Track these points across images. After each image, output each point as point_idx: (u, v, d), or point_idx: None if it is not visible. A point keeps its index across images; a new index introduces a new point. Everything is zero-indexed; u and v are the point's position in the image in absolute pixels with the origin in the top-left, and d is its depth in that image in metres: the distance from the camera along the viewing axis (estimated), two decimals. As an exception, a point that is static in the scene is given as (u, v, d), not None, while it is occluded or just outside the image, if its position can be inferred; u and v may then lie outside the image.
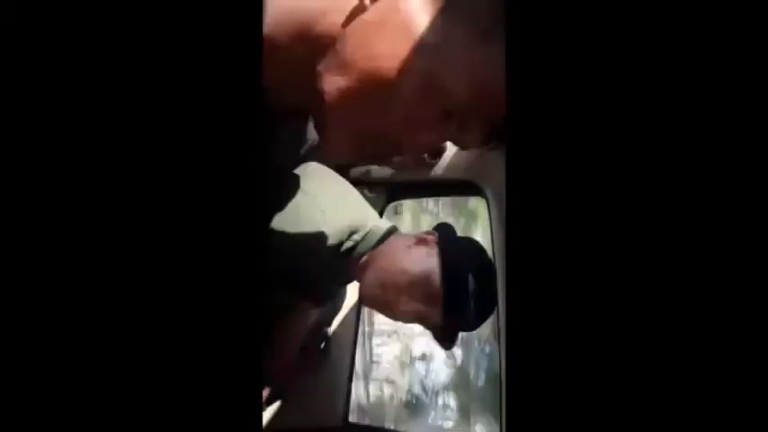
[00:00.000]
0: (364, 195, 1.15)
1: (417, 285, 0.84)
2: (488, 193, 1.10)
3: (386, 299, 0.86)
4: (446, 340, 0.88)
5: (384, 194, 1.22)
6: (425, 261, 0.84)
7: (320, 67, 0.44)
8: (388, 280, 0.85)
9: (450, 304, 0.83)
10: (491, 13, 0.40)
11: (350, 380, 1.22)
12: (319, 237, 0.84)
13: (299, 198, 0.83)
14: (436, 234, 0.89)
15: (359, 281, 0.91)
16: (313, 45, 0.44)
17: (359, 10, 0.42)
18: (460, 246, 0.90)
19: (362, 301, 0.91)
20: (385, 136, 0.44)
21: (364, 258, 0.89)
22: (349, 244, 0.88)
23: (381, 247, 0.88)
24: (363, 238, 0.89)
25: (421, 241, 0.88)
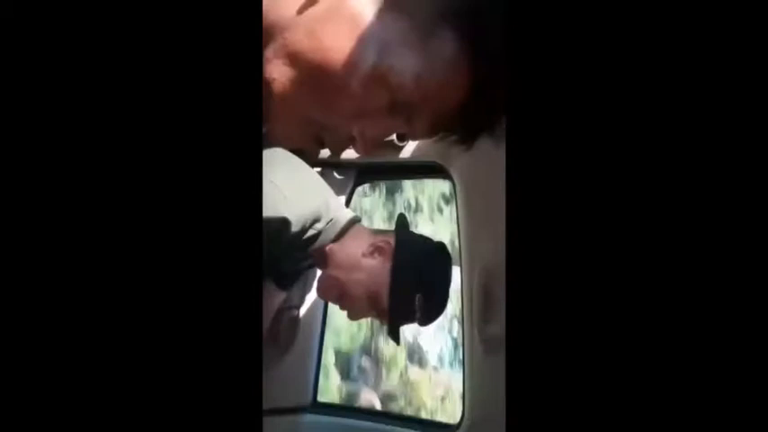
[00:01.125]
0: (332, 177, 1.15)
1: (368, 300, 0.91)
2: (455, 176, 1.12)
3: (340, 304, 0.95)
4: (392, 338, 0.97)
5: (353, 176, 1.23)
6: (378, 276, 0.91)
7: (268, 55, 0.44)
8: (342, 290, 0.93)
9: (396, 318, 0.92)
10: (438, 11, 0.41)
11: (319, 360, 1.24)
12: (282, 224, 0.85)
13: (264, 186, 0.83)
14: (393, 240, 0.93)
15: (320, 275, 0.97)
16: (264, 32, 0.44)
17: (310, 2, 0.43)
18: (415, 252, 0.94)
19: (319, 296, 1.01)
20: (332, 126, 0.45)
21: (326, 249, 0.91)
22: (312, 232, 0.90)
23: (341, 243, 0.92)
24: (326, 227, 0.92)
25: (377, 249, 0.92)
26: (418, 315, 0.92)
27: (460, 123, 0.46)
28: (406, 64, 0.42)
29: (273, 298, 1.07)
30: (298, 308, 1.19)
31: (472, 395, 1.03)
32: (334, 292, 0.94)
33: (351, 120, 0.45)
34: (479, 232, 1.02)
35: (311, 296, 1.22)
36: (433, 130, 0.47)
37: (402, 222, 0.99)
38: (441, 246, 0.97)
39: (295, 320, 1.19)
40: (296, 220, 0.86)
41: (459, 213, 1.09)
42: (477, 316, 1.00)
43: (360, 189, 1.25)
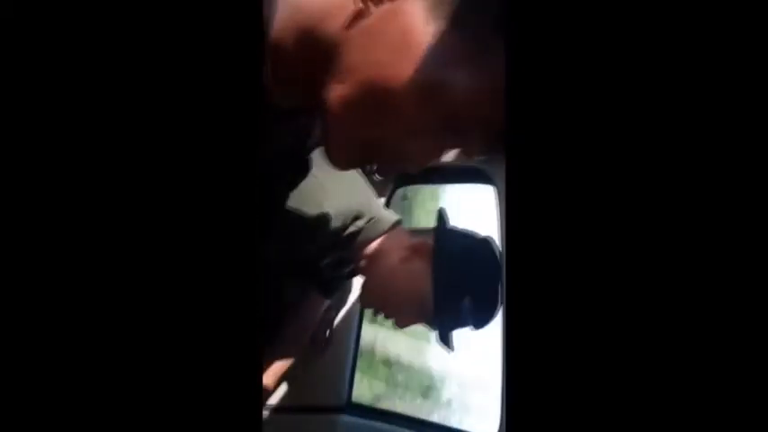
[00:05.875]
0: (372, 180, 1.15)
1: (413, 307, 0.87)
2: (497, 182, 1.10)
3: (384, 313, 0.90)
4: (444, 345, 0.91)
5: (392, 179, 1.23)
6: (419, 282, 0.85)
7: (322, 73, 0.43)
8: (384, 299, 0.89)
9: (445, 324, 0.87)
10: (491, 24, 0.39)
11: (354, 361, 1.24)
12: (322, 217, 0.84)
13: (306, 180, 0.83)
14: (431, 240, 0.88)
15: (361, 284, 0.94)
16: (314, 49, 0.43)
17: (360, 15, 0.42)
18: (456, 251, 0.88)
19: (363, 307, 0.97)
20: (387, 145, 0.44)
21: (366, 251, 0.89)
22: (352, 229, 0.88)
23: (381, 245, 0.89)
24: (367, 225, 0.89)
25: (415, 252, 0.87)
26: (470, 318, 0.86)
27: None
28: (460, 79, 0.40)
29: (317, 307, 1.08)
30: (336, 311, 1.20)
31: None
32: (377, 303, 0.90)
33: (404, 138, 0.43)
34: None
35: (349, 298, 1.23)
36: (488, 147, 0.45)
37: (441, 219, 0.93)
38: (485, 241, 0.90)
39: (331, 323, 1.20)
40: (336, 214, 0.84)
41: (502, 221, 1.07)
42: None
43: (399, 192, 1.25)
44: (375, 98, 0.41)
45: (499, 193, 1.10)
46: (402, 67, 0.40)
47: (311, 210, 0.84)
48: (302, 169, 0.82)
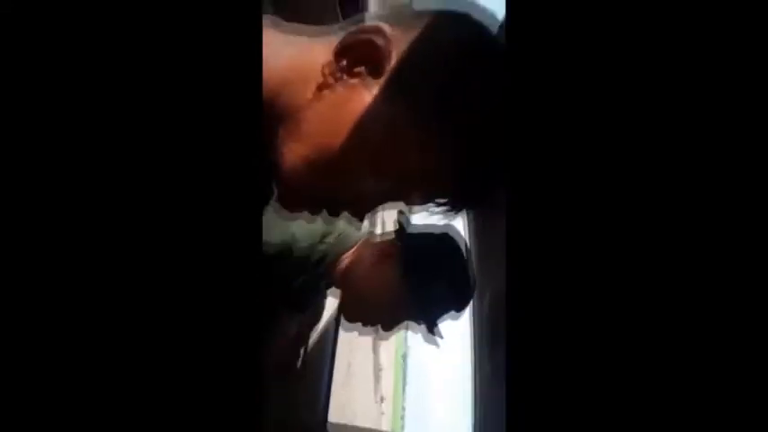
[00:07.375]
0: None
1: (393, 309, 0.90)
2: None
3: (370, 323, 0.93)
4: (434, 334, 0.94)
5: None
6: (393, 282, 0.89)
7: (282, 132, 0.49)
8: (367, 310, 0.92)
9: (429, 317, 0.90)
10: (438, 104, 0.46)
11: (329, 381, 1.25)
12: (289, 240, 0.88)
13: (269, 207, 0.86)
14: (398, 243, 0.92)
15: (341, 302, 0.96)
16: (279, 109, 0.48)
17: (324, 86, 0.47)
18: (422, 247, 0.93)
19: (349, 322, 0.99)
20: (335, 199, 0.50)
21: (340, 266, 0.92)
22: (322, 248, 0.92)
23: (352, 259, 0.92)
24: (336, 242, 0.93)
25: (384, 255, 0.91)
26: (450, 305, 0.91)
27: (456, 197, 0.51)
28: (407, 151, 0.46)
29: (290, 323, 1.08)
30: (309, 333, 1.21)
31: (481, 420, 1.02)
32: (361, 315, 0.93)
33: (352, 195, 0.49)
34: (489, 259, 1.04)
35: (322, 319, 1.24)
36: (426, 200, 0.52)
37: (400, 222, 0.97)
38: (444, 234, 0.96)
39: (306, 346, 1.20)
40: (302, 236, 0.88)
41: (470, 241, 1.10)
42: (485, 341, 1.01)
43: (366, 223, 1.27)
44: (328, 162, 0.47)
45: (467, 215, 1.14)
46: (354, 138, 0.46)
47: (278, 235, 0.87)
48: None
